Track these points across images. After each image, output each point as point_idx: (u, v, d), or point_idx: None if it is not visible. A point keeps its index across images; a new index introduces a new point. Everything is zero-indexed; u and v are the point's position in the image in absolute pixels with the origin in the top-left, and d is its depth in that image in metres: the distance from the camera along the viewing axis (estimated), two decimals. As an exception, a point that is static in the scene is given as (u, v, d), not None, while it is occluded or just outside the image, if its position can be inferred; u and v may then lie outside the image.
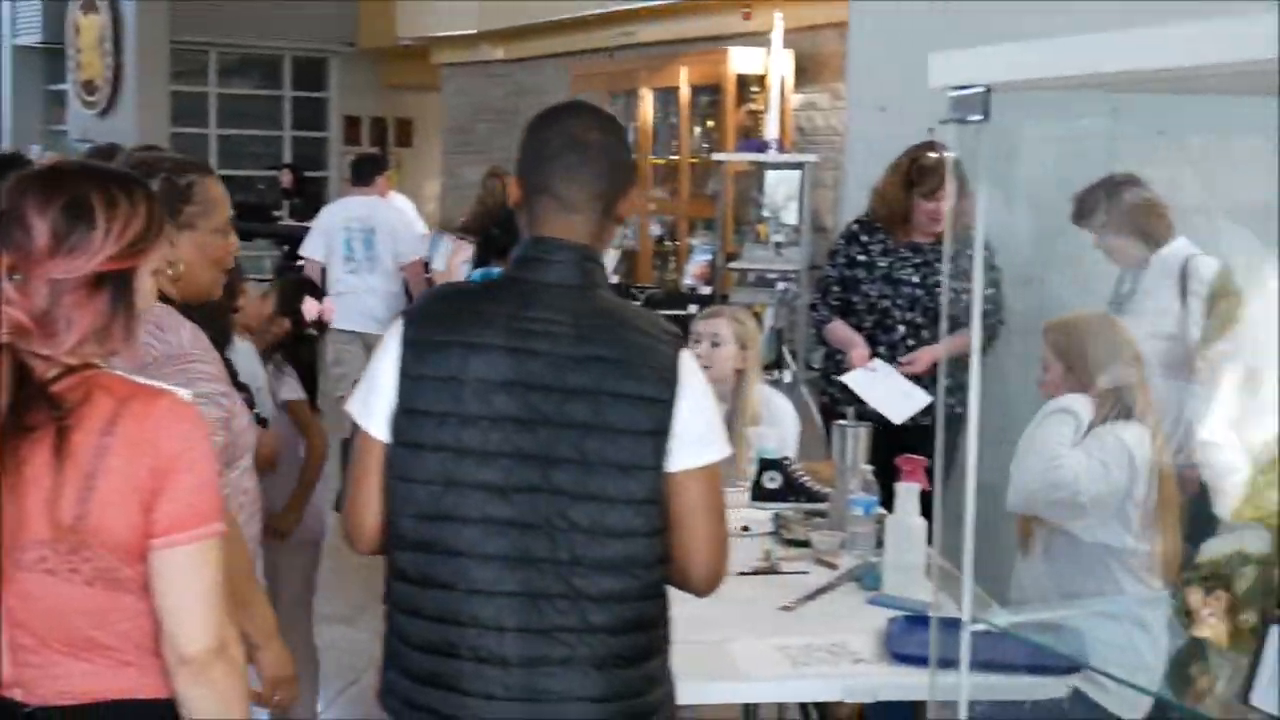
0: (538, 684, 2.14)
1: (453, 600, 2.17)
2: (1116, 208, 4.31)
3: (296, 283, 4.66)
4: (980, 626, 1.56)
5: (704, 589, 2.27)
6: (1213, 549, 1.51)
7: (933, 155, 4.72)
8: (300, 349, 4.30)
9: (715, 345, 4.27)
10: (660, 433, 2.13)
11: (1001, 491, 4.80)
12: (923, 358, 4.81)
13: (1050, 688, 2.61)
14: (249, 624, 2.55)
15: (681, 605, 3.04)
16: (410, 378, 2.18)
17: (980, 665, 2.41)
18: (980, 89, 1.47)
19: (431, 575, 2.18)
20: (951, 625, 1.73)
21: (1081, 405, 3.30)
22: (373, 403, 2.23)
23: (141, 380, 2.04)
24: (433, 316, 2.23)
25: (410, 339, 2.21)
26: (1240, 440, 1.36)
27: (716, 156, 8.03)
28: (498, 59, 11.98)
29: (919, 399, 4.76)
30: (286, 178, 13.44)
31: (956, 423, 4.99)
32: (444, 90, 13.00)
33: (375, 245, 7.84)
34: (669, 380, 2.14)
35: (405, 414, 2.19)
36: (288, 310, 4.25)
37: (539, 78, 11.38)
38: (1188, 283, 4.08)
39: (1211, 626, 1.44)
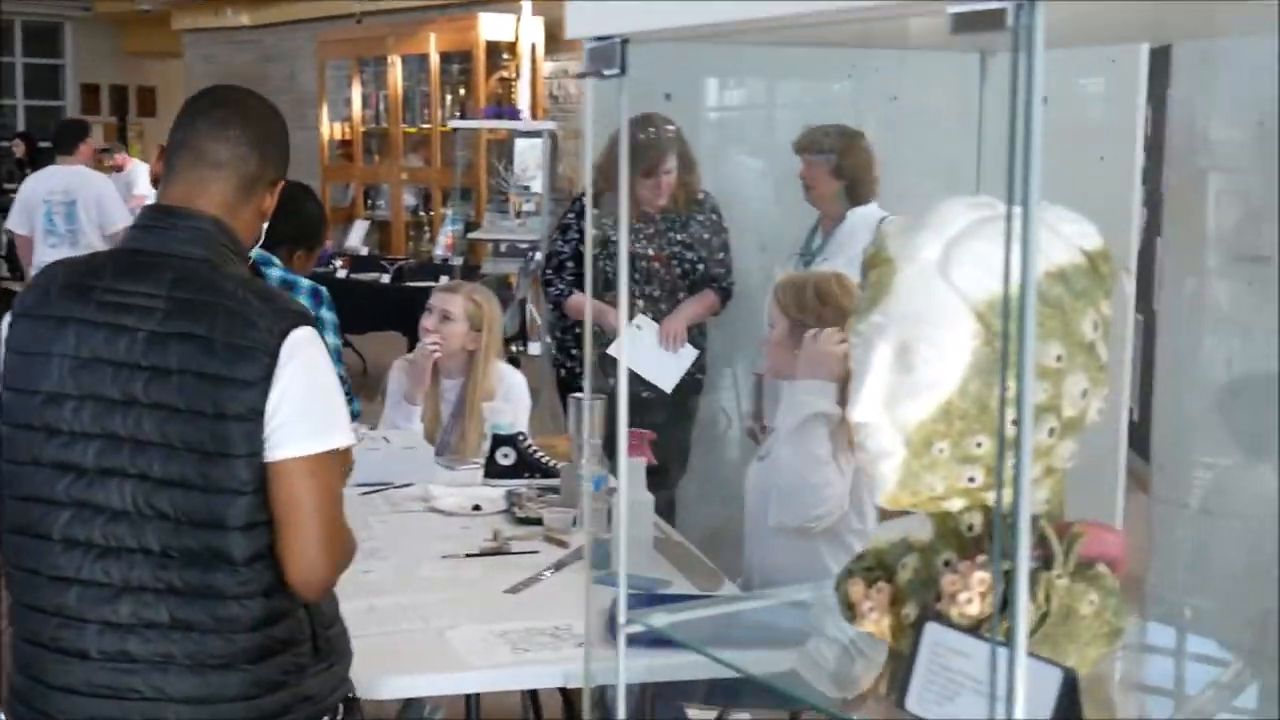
0: (122, 681, 2.00)
1: (38, 587, 2.05)
2: (840, 152, 4.35)
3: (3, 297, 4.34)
4: (636, 628, 1.45)
5: (306, 591, 2.07)
6: (878, 536, 1.43)
7: (652, 130, 4.63)
8: None
9: (445, 320, 4.15)
10: (251, 417, 1.97)
11: (730, 461, 4.81)
12: (671, 331, 4.76)
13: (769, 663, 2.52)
14: None
15: (401, 591, 2.90)
16: (13, 353, 2.07)
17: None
18: (616, 40, 1.35)
19: (24, 560, 2.07)
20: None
21: (828, 401, 3.07)
22: None
23: None
24: (38, 289, 2.11)
25: (17, 313, 2.10)
26: (893, 421, 1.27)
27: (453, 124, 7.87)
28: (243, 25, 11.58)
29: (686, 355, 4.73)
30: (20, 148, 12.80)
31: (697, 389, 4.99)
32: (187, 57, 12.54)
33: (77, 218, 7.43)
34: (265, 361, 1.97)
35: (7, 392, 2.07)
36: None
37: (287, 44, 11.04)
38: None
39: (874, 621, 1.35)
